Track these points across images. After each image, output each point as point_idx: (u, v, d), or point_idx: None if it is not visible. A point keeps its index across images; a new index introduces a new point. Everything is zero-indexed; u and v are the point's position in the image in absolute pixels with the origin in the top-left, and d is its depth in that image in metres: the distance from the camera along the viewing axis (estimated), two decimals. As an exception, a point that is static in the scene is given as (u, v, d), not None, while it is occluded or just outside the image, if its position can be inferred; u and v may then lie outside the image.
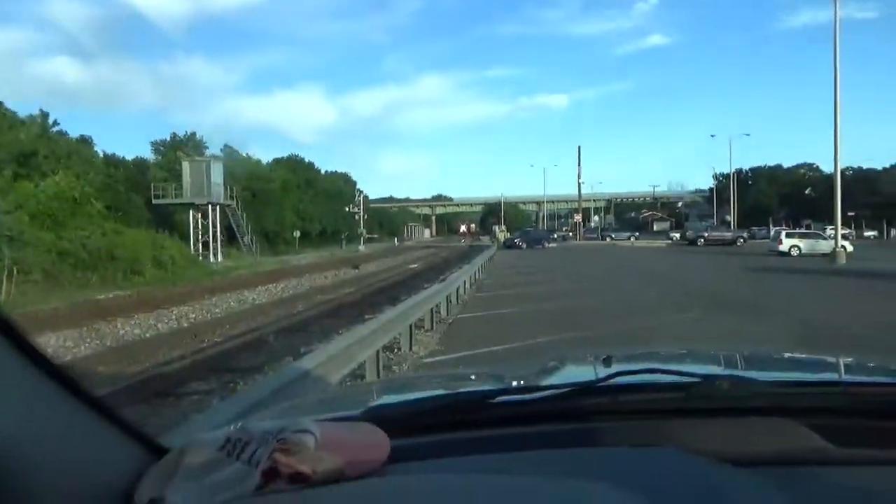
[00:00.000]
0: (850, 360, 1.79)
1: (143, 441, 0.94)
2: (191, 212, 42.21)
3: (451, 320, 12.47)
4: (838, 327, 10.69)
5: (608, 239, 73.22)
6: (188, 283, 22.50)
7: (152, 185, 43.22)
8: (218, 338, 11.63)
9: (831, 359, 1.84)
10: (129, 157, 53.15)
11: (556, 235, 73.84)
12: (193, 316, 14.85)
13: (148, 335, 12.10)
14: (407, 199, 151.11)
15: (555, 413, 1.11)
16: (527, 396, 1.16)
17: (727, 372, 1.50)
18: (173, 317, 14.66)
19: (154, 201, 42.43)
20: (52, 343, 11.08)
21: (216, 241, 42.24)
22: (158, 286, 22.12)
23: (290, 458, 0.82)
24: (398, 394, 1.61)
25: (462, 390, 1.34)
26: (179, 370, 8.31)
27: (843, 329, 10.50)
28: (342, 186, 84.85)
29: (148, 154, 59.00)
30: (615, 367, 1.27)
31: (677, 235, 64.27)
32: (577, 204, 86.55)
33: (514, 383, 1.43)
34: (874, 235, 70.88)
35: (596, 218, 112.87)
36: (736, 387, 1.08)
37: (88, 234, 26.58)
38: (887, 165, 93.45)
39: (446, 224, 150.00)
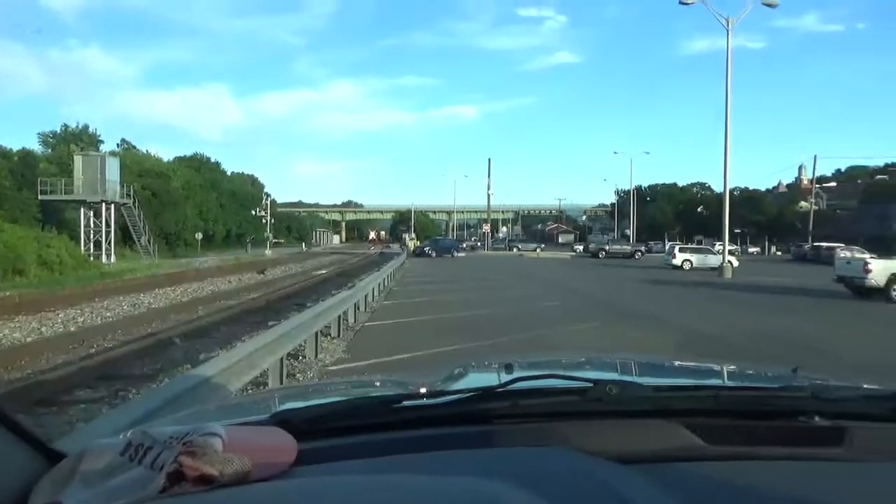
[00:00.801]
0: (724, 366, 1.97)
1: (37, 446, 0.91)
2: (82, 209, 39.74)
3: (358, 328, 12.39)
4: (719, 336, 11.48)
5: (515, 250, 74.92)
6: (77, 285, 21.13)
7: (39, 179, 40.30)
8: (108, 343, 10.99)
9: (709, 365, 2.01)
10: (15, 148, 49.43)
11: (465, 245, 74.82)
12: (82, 320, 13.96)
13: (30, 339, 11.26)
14: (317, 205, 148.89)
15: (458, 416, 1.16)
16: (432, 401, 1.20)
17: (618, 377, 1.61)
18: (59, 320, 13.72)
19: (41, 197, 39.61)
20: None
21: (109, 242, 39.95)
22: (43, 287, 20.65)
23: (196, 460, 0.81)
24: (304, 399, 1.61)
25: (369, 395, 1.36)
26: (65, 377, 7.80)
27: (725, 337, 11.27)
28: (249, 188, 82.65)
29: (36, 146, 55.23)
30: (516, 374, 1.33)
31: (580, 248, 66.76)
32: (486, 214, 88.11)
33: (421, 389, 1.46)
34: (757, 251, 76.37)
35: (504, 229, 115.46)
36: (624, 391, 1.16)
37: (-37, 229, 24.51)
38: (770, 187, 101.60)
39: (357, 230, 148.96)
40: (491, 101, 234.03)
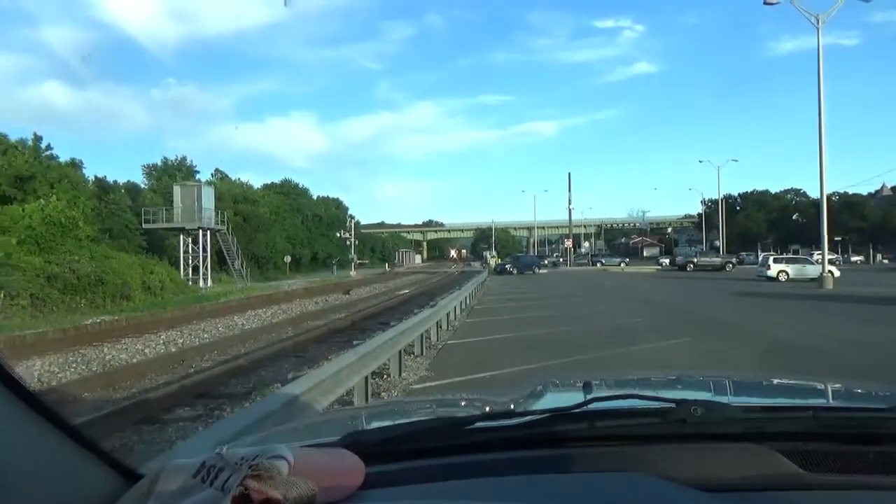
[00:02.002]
0: (822, 384, 1.82)
1: (118, 467, 0.95)
2: (181, 236, 42.12)
3: (441, 346, 12.44)
4: (824, 351, 10.74)
5: (598, 264, 73.48)
6: (177, 309, 22.35)
7: (142, 209, 43.12)
8: (206, 363, 11.54)
9: (806, 383, 1.86)
10: (121, 180, 53.20)
11: (546, 261, 74.01)
12: (181, 341, 14.72)
13: (135, 360, 11.98)
14: (399, 225, 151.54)
15: (532, 439, 1.13)
16: (504, 422, 1.18)
17: (702, 397, 1.52)
18: (161, 342, 14.53)
19: (145, 226, 42.34)
20: (36, 368, 10.96)
21: (206, 266, 42.08)
22: (147, 311, 21.97)
23: (261, 483, 0.83)
24: (378, 420, 1.62)
25: (440, 416, 1.36)
26: (165, 396, 8.23)
27: (830, 353, 10.55)
28: (334, 212, 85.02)
29: (139, 178, 59.15)
30: (594, 393, 1.29)
31: (667, 261, 64.62)
32: (567, 229, 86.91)
33: (495, 409, 1.44)
34: (860, 260, 71.53)
35: (587, 243, 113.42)
36: (709, 412, 1.10)
37: (77, 258, 26.45)
38: (872, 191, 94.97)
39: (437, 249, 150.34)
40: (570, 116, 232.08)
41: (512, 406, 1.51)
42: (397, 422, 1.41)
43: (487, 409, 1.49)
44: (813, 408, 1.27)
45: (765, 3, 29.69)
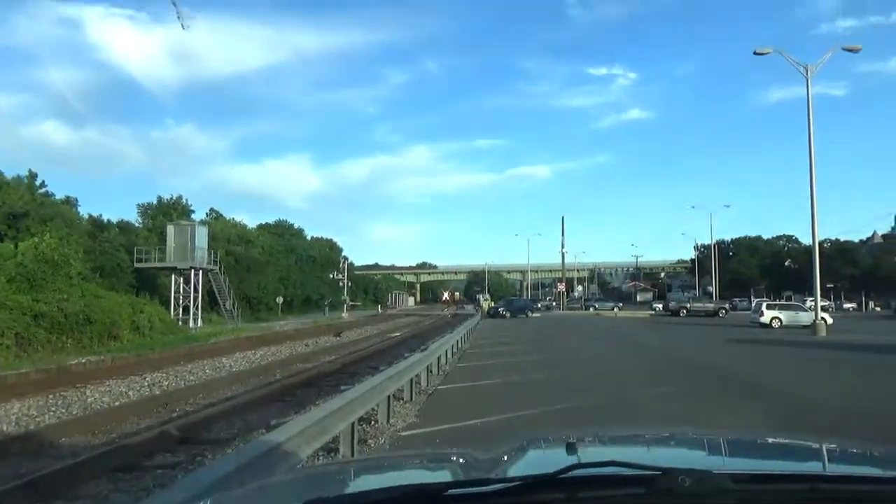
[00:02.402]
0: (824, 445, 1.71)
1: None
2: (173, 276, 41.89)
3: (431, 391, 12.23)
4: (820, 401, 10.60)
5: (592, 309, 73.31)
6: (165, 349, 22.04)
7: (135, 248, 42.97)
8: (189, 407, 11.28)
9: (805, 444, 1.76)
10: (115, 219, 53.18)
11: (540, 305, 73.84)
12: (167, 384, 14.44)
13: (117, 403, 11.70)
14: (392, 267, 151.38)
15: None
16: (480, 489, 1.08)
17: (691, 460, 1.43)
18: (146, 384, 14.25)
19: (137, 265, 42.12)
20: (14, 411, 10.68)
21: (197, 306, 41.74)
22: (134, 352, 21.63)
23: None
24: (344, 483, 1.51)
25: (411, 482, 1.25)
26: (145, 442, 7.99)
27: (826, 403, 10.40)
28: (327, 252, 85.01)
29: (134, 216, 59.15)
30: (578, 456, 1.20)
31: (660, 306, 64.55)
32: (560, 273, 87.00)
33: (471, 472, 1.34)
34: (853, 307, 71.60)
35: (580, 287, 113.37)
36: (699, 483, 1.01)
37: (66, 296, 26.16)
38: (864, 238, 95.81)
39: (431, 292, 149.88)
40: (563, 160, 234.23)
41: (492, 466, 1.42)
42: (362, 489, 1.30)
43: (461, 472, 1.39)
44: (811, 477, 1.17)
45: (755, 53, 30.43)
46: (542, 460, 1.70)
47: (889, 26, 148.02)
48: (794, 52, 29.91)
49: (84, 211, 52.02)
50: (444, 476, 1.42)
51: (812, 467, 1.60)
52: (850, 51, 31.08)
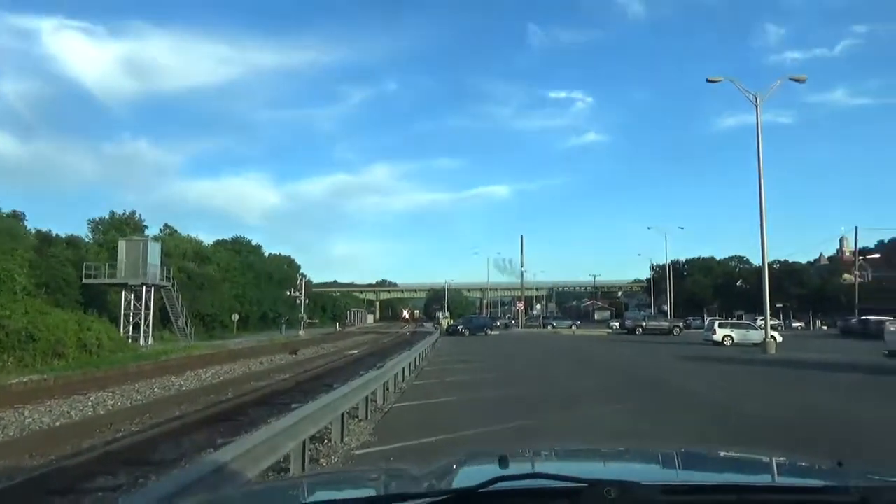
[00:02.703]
0: (756, 458, 1.72)
1: None
2: (124, 292, 40.66)
3: (387, 409, 12.08)
4: (772, 418, 10.82)
5: (550, 327, 73.82)
6: (112, 368, 21.30)
7: (83, 263, 41.58)
8: (135, 427, 10.89)
9: (737, 455, 1.76)
10: (65, 234, 51.46)
11: (499, 323, 74.04)
12: (112, 403, 13.94)
13: (58, 423, 11.23)
14: (351, 284, 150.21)
15: None
16: None
17: (619, 474, 1.40)
18: (89, 403, 13.72)
19: (85, 281, 40.72)
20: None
21: (148, 324, 40.56)
22: (80, 370, 20.85)
23: None
24: (270, 499, 1.44)
25: (330, 499, 1.20)
26: (86, 463, 7.66)
27: (777, 420, 10.62)
28: (285, 270, 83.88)
29: (84, 232, 57.39)
30: (504, 471, 1.16)
31: (617, 325, 65.38)
32: (520, 292, 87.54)
33: (402, 488, 1.29)
34: (801, 326, 73.75)
35: (538, 306, 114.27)
36: (626, 494, 0.98)
37: (9, 313, 25.12)
38: (811, 259, 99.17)
39: (391, 310, 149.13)
40: (523, 181, 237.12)
41: (424, 481, 1.37)
42: None
43: (393, 488, 1.33)
44: (739, 488, 1.15)
45: (708, 80, 31.37)
46: (473, 475, 1.65)
47: (832, 59, 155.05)
48: (746, 82, 30.84)
49: (32, 225, 50.35)
50: (367, 493, 1.37)
51: (741, 478, 1.59)
52: (796, 80, 32.32)
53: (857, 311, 59.57)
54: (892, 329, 25.26)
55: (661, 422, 10.64)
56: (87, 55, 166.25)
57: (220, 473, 4.72)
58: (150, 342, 39.01)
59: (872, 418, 10.77)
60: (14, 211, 49.68)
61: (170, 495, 3.67)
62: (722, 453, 2.03)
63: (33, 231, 49.12)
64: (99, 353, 27.88)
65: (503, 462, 1.37)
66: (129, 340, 36.46)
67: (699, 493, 1.17)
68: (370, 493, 1.30)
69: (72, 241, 50.40)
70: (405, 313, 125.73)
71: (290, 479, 5.15)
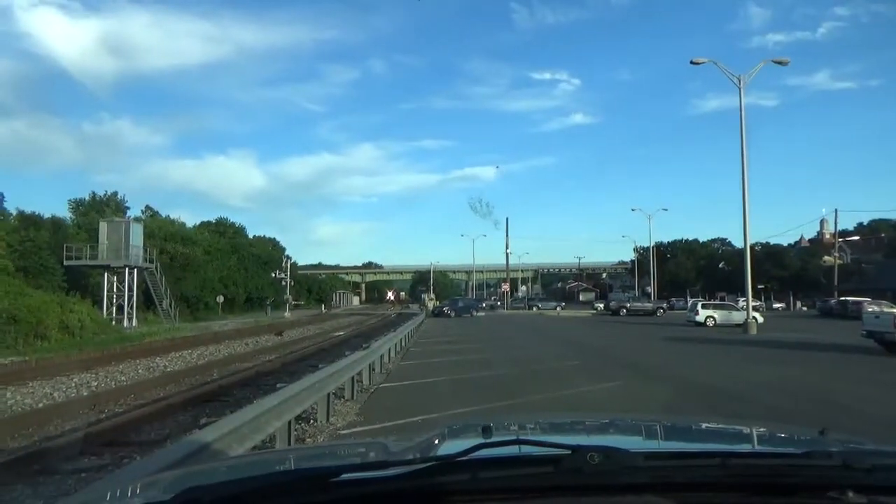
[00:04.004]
0: (739, 428, 1.73)
1: None
2: (106, 274, 40.22)
3: (373, 389, 12.11)
4: (743, 394, 10.98)
5: (535, 308, 74.22)
6: (95, 349, 21.13)
7: (64, 245, 41.02)
8: (119, 408, 10.84)
9: (719, 426, 1.77)
10: (47, 215, 50.68)
11: (484, 304, 74.34)
12: (95, 384, 13.84)
13: (41, 405, 11.14)
14: (337, 266, 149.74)
15: (408, 492, 0.97)
16: (377, 474, 1.02)
17: (606, 441, 1.40)
18: (73, 385, 13.62)
19: (67, 263, 40.18)
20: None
21: (131, 306, 40.22)
22: (63, 352, 20.67)
23: None
24: (247, 470, 1.43)
25: (305, 467, 1.18)
26: (70, 444, 7.61)
27: (750, 396, 10.78)
28: (270, 252, 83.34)
29: (65, 213, 56.60)
30: (486, 439, 1.15)
31: (601, 306, 65.87)
32: (505, 273, 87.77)
33: (370, 458, 1.27)
34: (782, 307, 74.72)
35: (524, 288, 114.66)
36: (609, 460, 0.98)
37: (-12, 295, 24.82)
38: (792, 242, 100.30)
39: (376, 292, 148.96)
40: (509, 162, 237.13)
41: (404, 454, 1.36)
42: (249, 475, 1.22)
43: (360, 459, 1.31)
44: (722, 454, 1.16)
45: (692, 62, 31.38)
46: (452, 445, 1.65)
47: (815, 42, 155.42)
48: (731, 64, 30.89)
49: (11, 206, 49.55)
50: (350, 462, 1.36)
51: (724, 447, 1.60)
52: (779, 63, 32.46)
53: (836, 293, 60.46)
54: (869, 310, 25.68)
55: (644, 400, 10.78)
56: (63, 32, 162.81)
57: (204, 452, 4.70)
58: (133, 324, 38.71)
59: (852, 395, 10.97)
60: (-7, 192, 48.86)
61: (154, 473, 3.66)
62: (704, 424, 2.05)
63: (14, 212, 48.45)
64: (82, 335, 27.65)
65: (486, 432, 1.36)
66: (113, 323, 36.18)
67: (682, 458, 1.17)
68: (353, 462, 1.29)
69: (55, 223, 49.68)
70: (390, 295, 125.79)
71: (274, 451, 5.15)
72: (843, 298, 52.61)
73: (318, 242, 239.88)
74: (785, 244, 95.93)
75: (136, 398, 11.85)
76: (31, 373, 14.83)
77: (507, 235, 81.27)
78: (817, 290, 73.87)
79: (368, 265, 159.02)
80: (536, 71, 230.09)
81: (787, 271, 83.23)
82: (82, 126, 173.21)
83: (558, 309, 70.53)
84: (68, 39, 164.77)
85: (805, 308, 71.87)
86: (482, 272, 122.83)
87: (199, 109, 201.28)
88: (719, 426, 1.86)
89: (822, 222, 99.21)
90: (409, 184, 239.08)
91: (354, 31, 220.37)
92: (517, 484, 0.98)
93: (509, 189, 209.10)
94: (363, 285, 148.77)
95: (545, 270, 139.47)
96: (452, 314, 55.07)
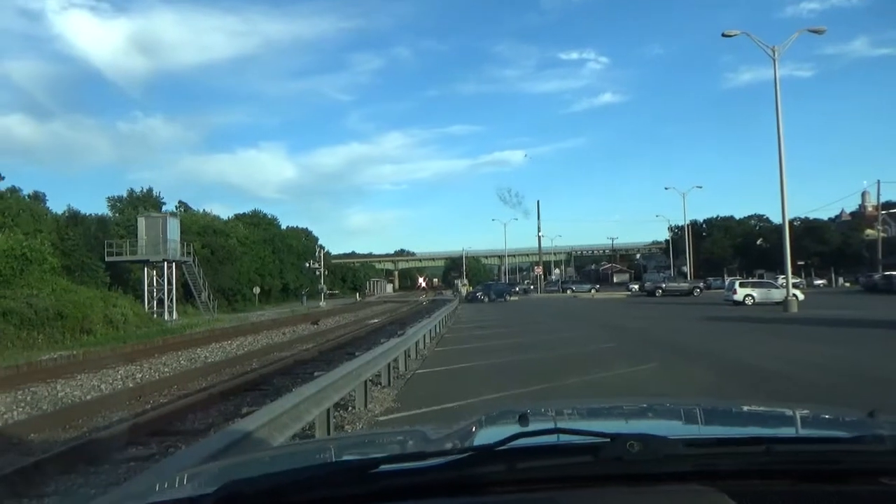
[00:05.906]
0: (782, 411, 1.69)
1: None
2: (146, 269, 41.22)
3: (409, 376, 12.20)
4: (796, 377, 10.75)
5: (569, 291, 73.81)
6: (139, 342, 21.71)
7: (105, 242, 42.13)
8: (163, 399, 11.13)
9: (762, 409, 1.73)
10: (86, 213, 52.06)
11: (517, 288, 74.15)
12: (140, 376, 14.23)
13: (89, 397, 11.50)
14: (370, 255, 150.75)
15: (447, 484, 0.97)
16: (415, 465, 1.02)
17: (645, 428, 1.38)
18: (119, 377, 14.02)
19: (108, 259, 41.30)
20: (-19, 408, 10.44)
21: (171, 299, 41.17)
22: (108, 345, 21.29)
23: None
24: (286, 462, 1.44)
25: (344, 458, 1.19)
26: (117, 435, 7.85)
27: (802, 377, 10.56)
28: (304, 242, 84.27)
29: (104, 210, 58.02)
30: (523, 427, 1.15)
31: (636, 287, 65.18)
32: (537, 257, 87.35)
33: (407, 449, 1.28)
34: (823, 283, 72.92)
35: (557, 271, 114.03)
36: (649, 448, 0.96)
37: (36, 292, 25.62)
38: (833, 216, 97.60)
39: (409, 279, 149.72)
40: (539, 145, 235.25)
41: (443, 443, 1.36)
42: (291, 467, 1.23)
43: (404, 448, 1.32)
44: (766, 440, 1.13)
45: (723, 35, 30.56)
46: (494, 433, 1.65)
47: (851, 9, 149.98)
48: (762, 35, 30.04)
49: (53, 206, 50.99)
50: (390, 452, 1.36)
51: (768, 431, 1.56)
52: (814, 32, 31.39)
53: (880, 267, 58.73)
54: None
55: (683, 383, 10.64)
56: (93, 33, 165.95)
57: (246, 441, 4.79)
58: (174, 317, 39.65)
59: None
60: (35, 192, 50.30)
61: (198, 463, 3.75)
62: (746, 408, 2.00)
63: (57, 212, 49.84)
64: (125, 329, 28.42)
65: (524, 420, 1.36)
66: (154, 316, 37.11)
67: (724, 445, 1.15)
68: (393, 452, 1.30)
69: (100, 221, 50.96)
70: (420, 281, 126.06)
71: (315, 441, 5.22)
72: (888, 273, 51.07)
73: (350, 232, 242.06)
74: (825, 219, 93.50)
75: (180, 388, 12.15)
76: (79, 366, 15.31)
77: (538, 218, 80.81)
78: (860, 265, 71.88)
79: (401, 252, 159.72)
80: (563, 51, 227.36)
81: (827, 247, 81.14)
82: (117, 125, 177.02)
83: (592, 291, 70.01)
84: (99, 40, 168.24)
85: (847, 284, 69.96)
86: (514, 256, 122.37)
87: (229, 104, 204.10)
88: (762, 409, 1.82)
89: (863, 195, 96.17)
90: (439, 170, 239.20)
91: (379, 19, 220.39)
92: (556, 474, 0.98)
93: (539, 172, 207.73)
94: (396, 273, 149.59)
95: (578, 253, 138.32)
96: (486, 299, 55.13)
